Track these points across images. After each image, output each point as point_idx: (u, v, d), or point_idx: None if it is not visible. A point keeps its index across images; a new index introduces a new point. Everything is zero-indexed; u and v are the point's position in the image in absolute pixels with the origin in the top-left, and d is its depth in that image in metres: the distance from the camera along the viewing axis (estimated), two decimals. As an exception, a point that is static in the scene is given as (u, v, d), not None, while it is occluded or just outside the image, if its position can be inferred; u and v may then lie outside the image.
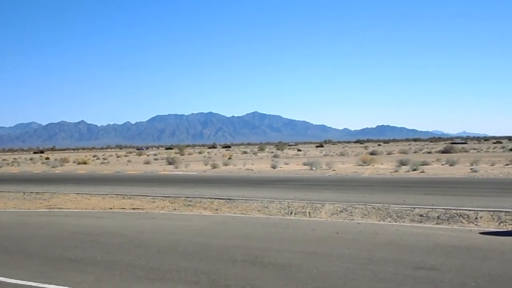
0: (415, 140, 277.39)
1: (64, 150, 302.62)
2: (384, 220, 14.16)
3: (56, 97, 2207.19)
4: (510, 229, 12.52)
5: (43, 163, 71.67)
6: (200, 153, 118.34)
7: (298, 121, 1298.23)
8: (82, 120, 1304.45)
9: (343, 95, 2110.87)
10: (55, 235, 12.76)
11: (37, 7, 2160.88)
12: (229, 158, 69.05)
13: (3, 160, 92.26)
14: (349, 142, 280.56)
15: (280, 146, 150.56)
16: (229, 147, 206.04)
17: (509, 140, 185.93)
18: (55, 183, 30.79)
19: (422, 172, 32.82)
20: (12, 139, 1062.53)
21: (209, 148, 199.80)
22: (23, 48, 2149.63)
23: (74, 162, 71.02)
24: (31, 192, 24.09)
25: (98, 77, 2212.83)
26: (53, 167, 57.25)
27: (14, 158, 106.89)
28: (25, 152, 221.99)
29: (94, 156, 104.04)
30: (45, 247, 11.14)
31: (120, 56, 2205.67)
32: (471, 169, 33.51)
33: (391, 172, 34.16)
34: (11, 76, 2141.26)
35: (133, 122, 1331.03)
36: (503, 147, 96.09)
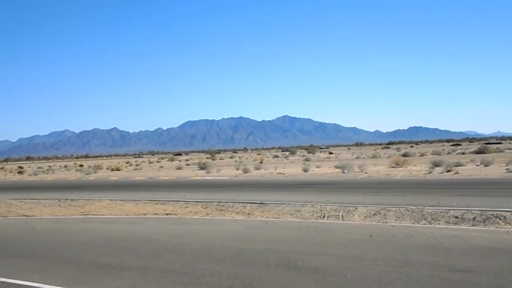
0: (448, 141, 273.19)
1: (97, 157, 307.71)
2: (418, 223, 13.95)
3: (89, 105, 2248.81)
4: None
5: (77, 171, 72.87)
6: (231, 157, 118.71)
7: (329, 124, 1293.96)
8: (115, 127, 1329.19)
9: (375, 97, 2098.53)
10: (90, 241, 12.94)
11: (70, 14, 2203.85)
12: (261, 162, 69.16)
13: (39, 168, 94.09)
14: (380, 144, 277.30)
15: (311, 149, 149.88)
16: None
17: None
18: (89, 190, 31.26)
19: (456, 173, 32.30)
20: (47, 147, 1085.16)
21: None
22: (56, 57, 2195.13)
23: (107, 169, 72.04)
24: (66, 199, 24.52)
25: (130, 85, 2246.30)
26: (87, 174, 58.21)
27: (49, 166, 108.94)
28: (59, 160, 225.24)
29: (127, 163, 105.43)
30: (80, 253, 11.30)
31: (151, 63, 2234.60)
32: (507, 169, 32.89)
33: (425, 173, 33.70)
34: (45, 85, 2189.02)
35: (165, 128, 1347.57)
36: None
